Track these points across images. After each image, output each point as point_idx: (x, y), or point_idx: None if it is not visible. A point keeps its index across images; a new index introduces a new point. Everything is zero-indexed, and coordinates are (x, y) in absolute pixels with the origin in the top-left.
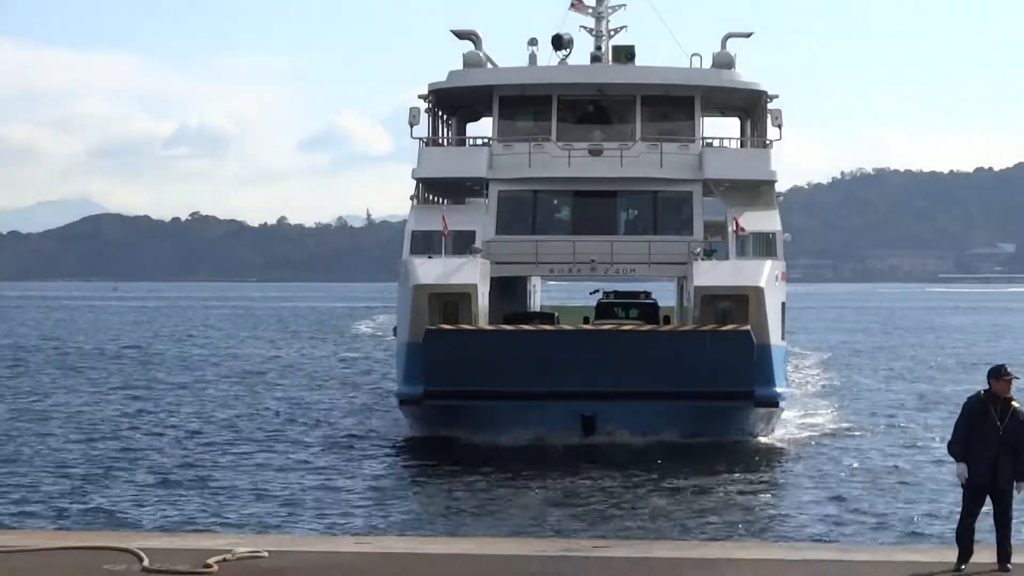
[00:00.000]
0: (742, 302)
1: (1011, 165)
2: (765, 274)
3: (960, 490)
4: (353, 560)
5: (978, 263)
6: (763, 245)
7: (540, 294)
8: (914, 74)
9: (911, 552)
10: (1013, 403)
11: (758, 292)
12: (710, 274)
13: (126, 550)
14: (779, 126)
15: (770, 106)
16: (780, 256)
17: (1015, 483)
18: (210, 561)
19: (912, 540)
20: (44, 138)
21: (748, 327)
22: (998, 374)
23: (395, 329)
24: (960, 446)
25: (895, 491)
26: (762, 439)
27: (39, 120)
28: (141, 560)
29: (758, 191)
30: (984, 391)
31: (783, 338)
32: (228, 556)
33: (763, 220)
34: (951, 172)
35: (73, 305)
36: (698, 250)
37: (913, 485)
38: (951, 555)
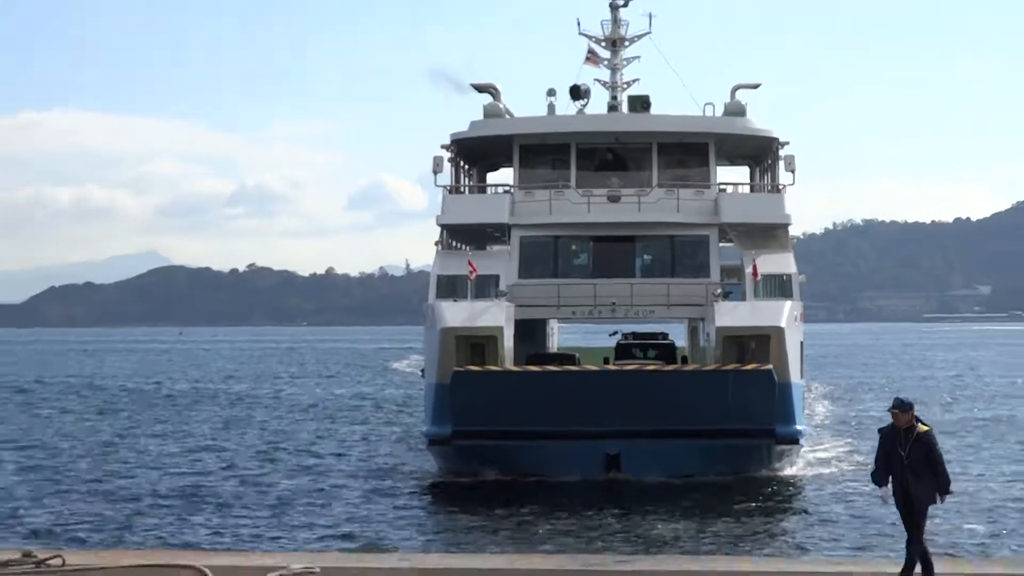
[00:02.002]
0: (763, 342)
1: (987, 215)
2: (785, 314)
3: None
4: None
5: (958, 303)
6: (778, 287)
7: (558, 336)
8: (899, 130)
9: (892, 564)
10: (918, 428)
11: (779, 332)
12: (732, 315)
13: (192, 567)
14: (792, 171)
15: (783, 152)
16: (796, 297)
17: (938, 497)
18: None
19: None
20: (118, 198)
21: (770, 366)
22: (895, 408)
23: (423, 371)
24: (881, 473)
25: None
26: (781, 474)
27: (113, 181)
28: None
29: (773, 234)
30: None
31: (802, 376)
32: (284, 572)
33: (778, 263)
34: (933, 222)
35: (161, 348)
36: (717, 292)
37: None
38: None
